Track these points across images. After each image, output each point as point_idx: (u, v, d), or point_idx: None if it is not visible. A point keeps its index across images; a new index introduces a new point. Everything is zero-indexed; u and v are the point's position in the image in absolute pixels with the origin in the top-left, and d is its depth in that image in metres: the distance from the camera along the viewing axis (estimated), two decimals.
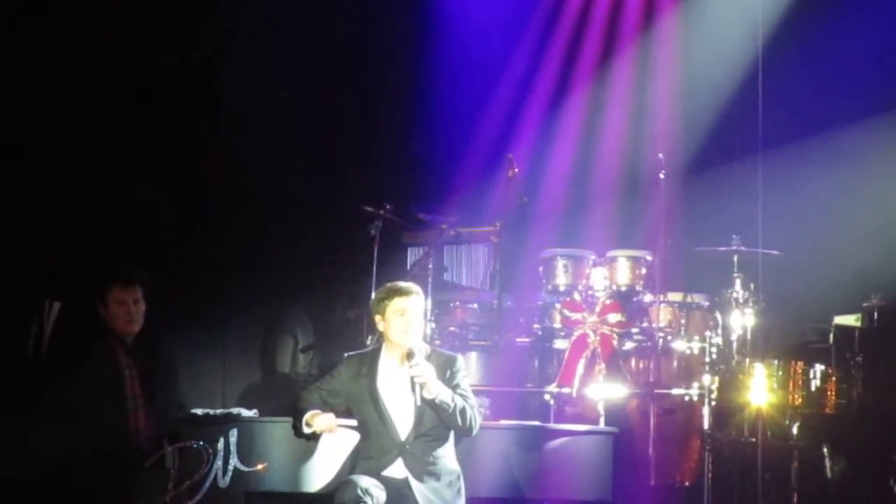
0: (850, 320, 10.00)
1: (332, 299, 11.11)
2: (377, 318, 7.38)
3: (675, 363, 9.98)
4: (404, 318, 7.30)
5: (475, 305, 10.44)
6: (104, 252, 9.52)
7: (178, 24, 10.21)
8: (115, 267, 8.41)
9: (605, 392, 9.54)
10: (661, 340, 9.92)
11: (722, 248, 9.80)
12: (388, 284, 7.46)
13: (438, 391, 7.18)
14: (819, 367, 9.40)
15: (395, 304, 7.32)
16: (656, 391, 9.61)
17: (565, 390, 9.66)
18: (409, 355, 7.22)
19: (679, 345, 9.97)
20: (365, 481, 7.10)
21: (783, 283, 10.16)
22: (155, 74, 10.22)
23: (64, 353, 8.28)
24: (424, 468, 7.23)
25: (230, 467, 7.68)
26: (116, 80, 10.04)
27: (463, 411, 7.23)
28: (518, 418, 8.78)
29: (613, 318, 9.95)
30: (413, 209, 10.50)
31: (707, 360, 9.29)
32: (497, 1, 11.70)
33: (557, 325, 10.11)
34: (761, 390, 9.23)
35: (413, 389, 7.23)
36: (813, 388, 9.35)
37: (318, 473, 7.66)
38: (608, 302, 9.98)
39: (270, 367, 11.14)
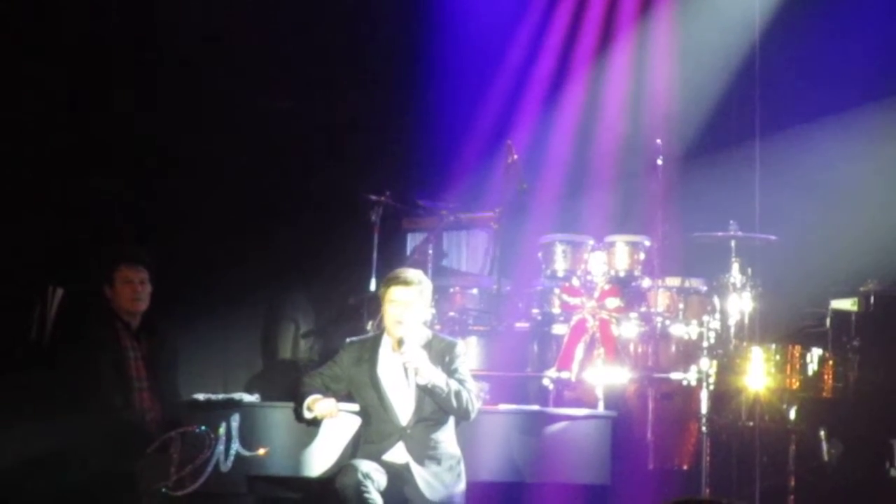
0: (847, 304, 10.02)
1: (332, 285, 11.15)
2: (382, 303, 7.45)
3: (673, 348, 10.00)
4: (396, 308, 7.35)
5: (475, 291, 10.46)
6: (106, 239, 9.58)
7: (181, 18, 10.25)
8: (122, 248, 8.50)
9: (604, 376, 9.56)
10: (659, 325, 9.94)
11: (719, 233, 9.81)
12: (395, 271, 7.51)
13: (431, 377, 7.24)
14: (816, 352, 9.40)
15: (390, 293, 7.38)
16: (654, 375, 9.63)
17: (564, 375, 9.69)
18: (401, 342, 7.29)
19: (677, 329, 9.98)
20: (366, 466, 7.17)
21: (780, 268, 10.20)
22: (154, 64, 10.27)
23: (67, 338, 8.35)
24: (425, 452, 7.29)
25: (232, 452, 7.70)
26: (116, 70, 10.08)
27: (458, 394, 7.28)
28: (517, 403, 8.79)
29: (612, 302, 9.96)
30: (413, 195, 10.53)
31: (705, 344, 9.32)
32: None
33: (556, 310, 10.12)
34: (759, 374, 9.24)
35: (407, 375, 7.32)
36: (810, 372, 9.36)
37: (320, 458, 7.70)
38: (607, 287, 10.00)
39: (272, 353, 11.17)
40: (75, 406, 7.83)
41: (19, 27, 9.58)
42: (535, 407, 8.70)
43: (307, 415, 7.43)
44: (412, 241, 11.14)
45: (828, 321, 9.94)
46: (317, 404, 7.40)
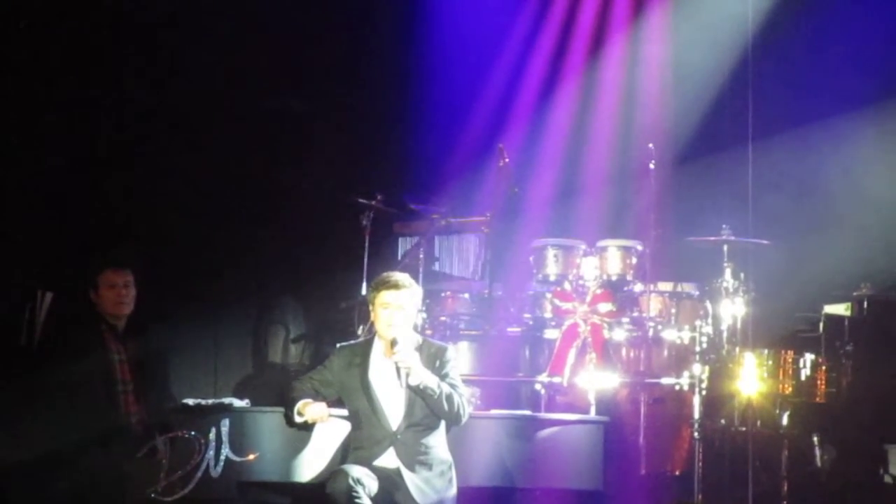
0: (840, 309, 10.02)
1: (323, 290, 11.13)
2: (370, 307, 7.43)
3: (665, 352, 9.99)
4: (388, 311, 7.33)
5: (466, 295, 10.45)
6: (95, 243, 9.55)
7: (179, 17, 10.25)
8: (107, 251, 8.48)
9: (596, 381, 9.54)
10: (651, 330, 9.93)
11: (712, 238, 9.79)
12: (382, 275, 7.48)
13: (423, 378, 7.22)
14: (809, 357, 9.40)
15: (381, 297, 7.36)
16: (647, 380, 9.62)
17: (556, 380, 9.68)
18: (393, 343, 7.27)
19: (669, 334, 9.98)
20: (356, 471, 7.13)
21: (773, 273, 10.19)
22: (151, 65, 10.25)
23: (55, 341, 8.33)
24: (416, 458, 7.26)
25: (222, 457, 7.68)
26: (113, 71, 10.07)
27: (449, 397, 7.26)
28: (509, 408, 8.78)
29: (604, 307, 9.95)
30: (404, 199, 10.51)
31: (697, 349, 9.30)
32: None
33: (548, 314, 10.11)
34: (751, 379, 9.23)
35: (399, 376, 7.29)
36: (803, 378, 9.35)
37: (310, 463, 7.67)
38: (599, 291, 9.99)
39: (262, 358, 11.15)
40: (62, 409, 7.79)
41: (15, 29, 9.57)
42: (527, 412, 8.69)
43: (298, 419, 7.41)
44: (403, 245, 11.15)
45: (821, 326, 9.95)
46: (307, 408, 7.38)
